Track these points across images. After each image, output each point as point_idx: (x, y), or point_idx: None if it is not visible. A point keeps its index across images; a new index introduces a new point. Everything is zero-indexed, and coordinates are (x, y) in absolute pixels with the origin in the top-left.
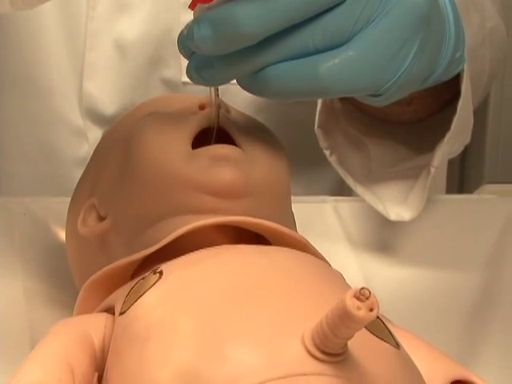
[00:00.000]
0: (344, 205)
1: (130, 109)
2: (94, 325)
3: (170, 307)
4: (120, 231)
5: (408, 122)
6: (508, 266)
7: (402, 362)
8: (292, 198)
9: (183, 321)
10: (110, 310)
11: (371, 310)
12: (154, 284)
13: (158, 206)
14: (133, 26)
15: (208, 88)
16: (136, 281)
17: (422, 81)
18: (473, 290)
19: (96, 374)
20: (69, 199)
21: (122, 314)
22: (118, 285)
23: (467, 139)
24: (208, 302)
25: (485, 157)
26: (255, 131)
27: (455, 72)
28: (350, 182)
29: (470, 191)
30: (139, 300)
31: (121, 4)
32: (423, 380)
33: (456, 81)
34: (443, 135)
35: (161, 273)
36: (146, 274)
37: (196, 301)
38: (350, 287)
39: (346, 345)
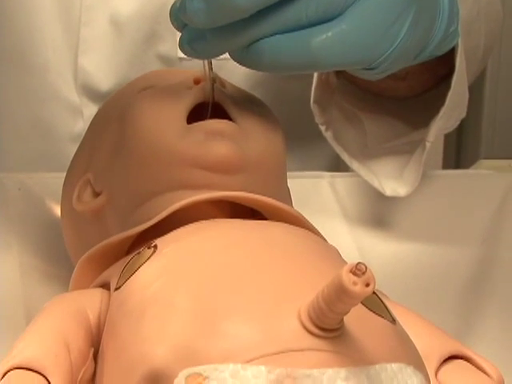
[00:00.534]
0: (340, 180)
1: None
2: (90, 300)
3: (165, 282)
4: (115, 207)
5: (403, 98)
6: (504, 241)
7: (398, 337)
8: (288, 173)
9: (178, 296)
10: (105, 286)
11: (367, 285)
12: (148, 258)
13: (153, 181)
14: (128, 1)
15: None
16: (131, 256)
17: (415, 55)
18: (469, 265)
19: (92, 350)
20: (64, 175)
21: (117, 289)
22: (113, 260)
23: (463, 114)
24: (204, 276)
25: (481, 132)
26: (250, 106)
27: (449, 46)
28: (345, 157)
29: (466, 167)
30: (134, 275)
31: None
32: (419, 355)
33: (451, 55)
34: (438, 110)
35: (155, 247)
36: (141, 249)
37: (191, 275)
38: (346, 262)
39: (342, 320)
